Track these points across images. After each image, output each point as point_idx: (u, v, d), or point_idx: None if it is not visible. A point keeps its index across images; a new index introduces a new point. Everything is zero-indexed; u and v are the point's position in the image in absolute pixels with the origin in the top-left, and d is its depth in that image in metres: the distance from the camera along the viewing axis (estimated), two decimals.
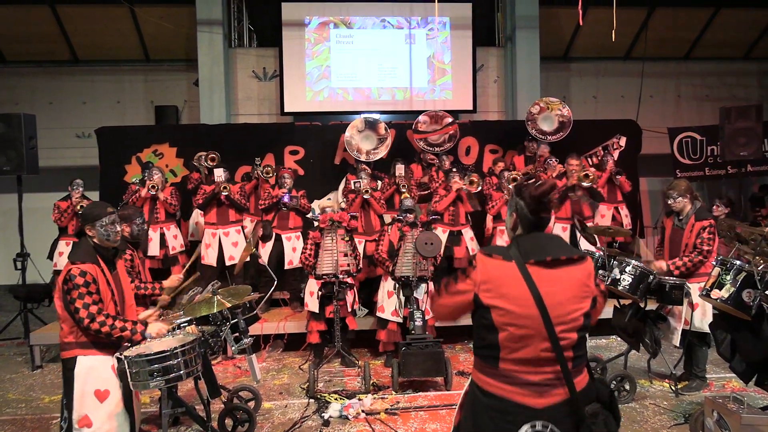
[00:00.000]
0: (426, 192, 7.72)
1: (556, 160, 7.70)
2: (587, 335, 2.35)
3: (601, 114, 11.37)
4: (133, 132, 8.85)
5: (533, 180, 2.36)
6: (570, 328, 2.21)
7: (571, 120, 8.25)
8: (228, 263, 7.19)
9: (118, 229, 3.61)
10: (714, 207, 7.66)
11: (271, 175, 7.57)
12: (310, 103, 10.53)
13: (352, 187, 7.27)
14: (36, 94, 11.28)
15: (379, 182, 7.81)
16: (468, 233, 7.37)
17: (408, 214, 6.24)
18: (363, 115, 8.55)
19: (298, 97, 10.50)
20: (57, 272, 7.61)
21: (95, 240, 3.52)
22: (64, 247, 7.50)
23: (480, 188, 7.31)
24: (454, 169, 7.44)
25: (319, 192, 8.35)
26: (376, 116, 8.75)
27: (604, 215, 7.76)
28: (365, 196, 7.14)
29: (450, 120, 8.38)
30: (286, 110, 10.47)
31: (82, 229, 3.56)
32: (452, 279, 2.35)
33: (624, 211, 7.86)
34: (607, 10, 6.87)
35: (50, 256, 7.76)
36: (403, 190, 7.41)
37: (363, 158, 8.00)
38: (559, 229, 7.44)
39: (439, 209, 7.15)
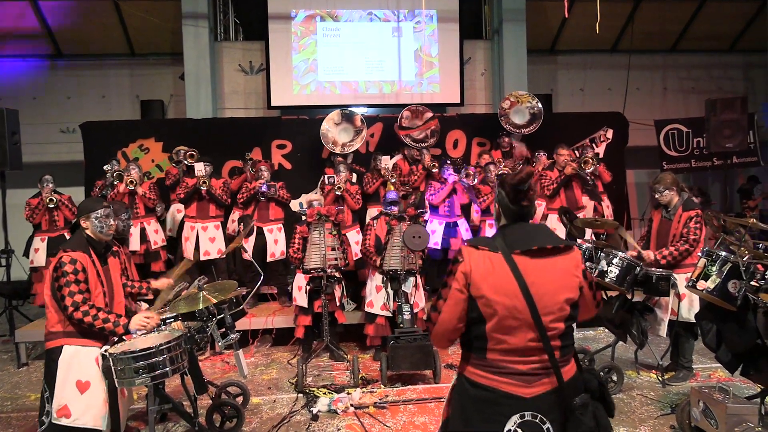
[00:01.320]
0: (408, 188, 7.67)
1: (544, 154, 7.72)
2: (575, 325, 2.35)
3: (588, 106, 11.39)
4: (119, 127, 8.78)
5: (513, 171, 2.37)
6: (557, 318, 2.22)
7: (542, 112, 8.28)
8: (202, 258, 7.14)
9: (112, 222, 3.71)
10: None
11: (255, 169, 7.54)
12: (297, 97, 10.47)
13: (326, 182, 7.26)
14: (20, 89, 11.14)
15: (355, 175, 7.79)
16: (463, 224, 7.39)
17: (393, 207, 6.24)
18: (338, 109, 8.51)
19: (285, 91, 10.44)
20: (34, 269, 7.58)
21: (89, 232, 3.61)
22: (40, 243, 7.45)
23: (476, 180, 7.31)
24: (449, 162, 7.43)
25: (306, 186, 8.32)
26: (352, 109, 8.68)
27: (585, 206, 7.77)
28: (337, 192, 7.14)
29: (430, 115, 8.36)
30: (273, 104, 10.40)
31: (77, 222, 3.66)
32: (442, 290, 2.29)
33: (605, 202, 7.84)
34: (594, 2, 6.88)
35: (26, 254, 7.71)
36: (392, 180, 7.39)
37: (338, 150, 7.96)
38: (553, 219, 7.43)
39: (435, 202, 7.16)
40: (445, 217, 7.27)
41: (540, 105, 8.37)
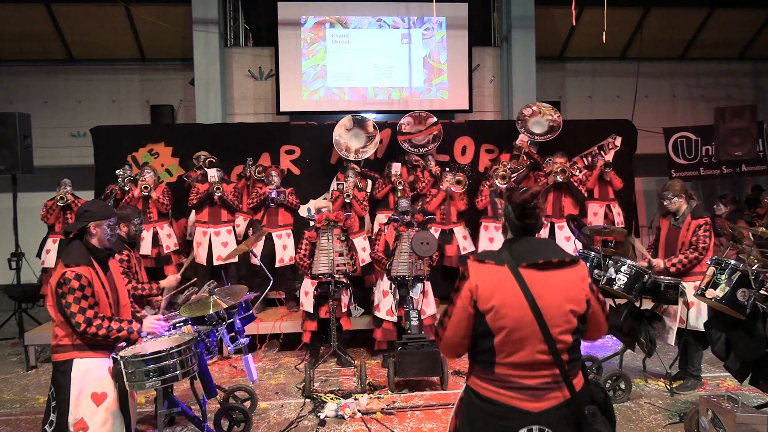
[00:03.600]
0: (413, 193, 7.70)
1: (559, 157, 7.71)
2: (581, 338, 2.35)
3: (597, 114, 11.39)
4: (129, 131, 8.82)
5: (521, 187, 2.38)
6: (564, 330, 2.22)
7: (561, 125, 8.26)
8: (216, 263, 7.17)
9: (117, 232, 3.67)
10: (715, 206, 7.62)
11: (263, 175, 7.56)
12: (306, 103, 10.51)
13: (335, 187, 7.28)
14: (31, 93, 11.25)
15: (369, 181, 7.80)
16: (460, 231, 7.42)
17: (405, 216, 6.23)
18: (350, 114, 8.54)
19: (293, 97, 10.48)
20: (45, 270, 7.63)
21: (95, 239, 3.47)
22: (52, 245, 7.52)
23: (465, 188, 7.32)
24: (447, 169, 7.46)
25: (314, 192, 8.34)
26: (364, 114, 8.71)
27: (596, 213, 7.75)
28: (346, 200, 7.16)
29: (434, 120, 8.36)
30: (281, 110, 10.45)
31: (82, 227, 3.46)
32: (449, 307, 2.33)
33: (616, 209, 7.83)
34: (603, 10, 6.89)
35: (39, 255, 7.77)
36: (400, 187, 7.41)
37: (352, 157, 7.98)
38: (555, 229, 7.43)
39: (430, 209, 7.20)
40: (441, 224, 7.31)
41: (560, 118, 8.34)
